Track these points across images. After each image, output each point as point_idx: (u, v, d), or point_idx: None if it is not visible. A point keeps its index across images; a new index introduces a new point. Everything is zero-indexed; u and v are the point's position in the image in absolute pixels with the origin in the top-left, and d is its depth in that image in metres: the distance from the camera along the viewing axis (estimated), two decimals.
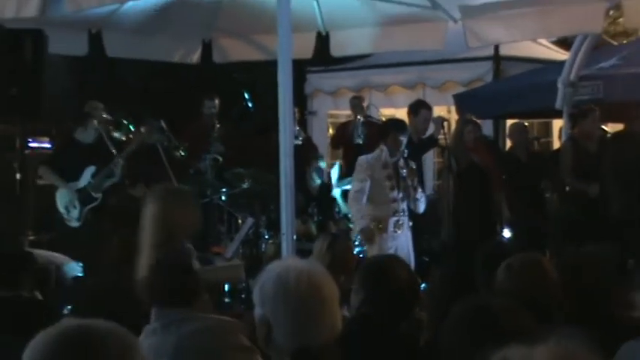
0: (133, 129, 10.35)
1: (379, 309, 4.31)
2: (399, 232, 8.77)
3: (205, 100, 11.54)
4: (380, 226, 8.70)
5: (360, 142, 12.05)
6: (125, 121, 10.43)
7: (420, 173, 9.66)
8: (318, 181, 11.66)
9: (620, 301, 4.48)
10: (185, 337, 4.18)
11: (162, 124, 10.97)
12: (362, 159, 9.00)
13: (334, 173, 12.05)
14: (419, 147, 10.06)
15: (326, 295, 3.17)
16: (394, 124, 9.41)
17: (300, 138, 11.25)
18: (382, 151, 8.82)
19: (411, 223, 8.94)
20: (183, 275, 3.31)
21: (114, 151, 10.07)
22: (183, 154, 11.07)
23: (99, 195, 9.89)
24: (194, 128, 11.68)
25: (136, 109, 11.04)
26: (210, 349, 4.10)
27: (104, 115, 10.21)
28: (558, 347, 1.98)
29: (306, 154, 11.48)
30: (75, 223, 9.90)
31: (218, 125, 11.48)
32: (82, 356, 1.87)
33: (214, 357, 4.06)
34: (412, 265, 7.82)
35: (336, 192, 11.80)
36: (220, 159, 11.28)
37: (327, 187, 11.81)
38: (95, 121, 10.04)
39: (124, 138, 10.13)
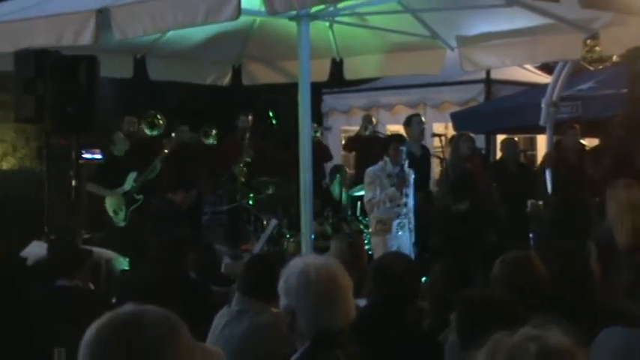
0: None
1: (386, 298, 4.30)
2: (401, 232, 8.76)
3: (241, 116, 11.93)
4: (384, 227, 8.70)
5: (367, 134, 12.20)
6: (158, 117, 10.67)
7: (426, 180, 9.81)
8: (337, 189, 11.68)
9: (600, 290, 4.46)
10: (255, 328, 4.30)
11: (185, 127, 11.15)
12: (369, 171, 9.03)
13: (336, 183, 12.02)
14: (421, 159, 10.10)
15: (342, 286, 3.18)
16: (393, 137, 9.54)
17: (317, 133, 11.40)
18: (385, 162, 8.84)
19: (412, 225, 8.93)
20: (275, 275, 3.32)
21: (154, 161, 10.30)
22: (214, 132, 11.29)
23: (140, 196, 10.06)
24: (229, 139, 11.85)
25: (175, 124, 11.11)
26: (274, 341, 4.11)
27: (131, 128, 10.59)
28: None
29: (318, 153, 11.51)
30: (122, 223, 10.04)
31: (248, 135, 11.67)
32: (129, 335, 1.87)
33: (275, 349, 4.05)
34: None
35: (346, 197, 11.81)
36: (250, 160, 11.42)
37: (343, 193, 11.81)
38: (121, 133, 10.32)
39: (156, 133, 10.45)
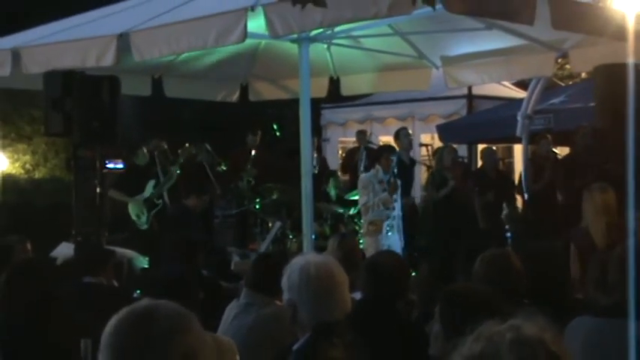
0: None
1: (378, 293, 4.28)
2: (390, 233, 8.77)
3: (250, 134, 11.82)
4: (376, 228, 8.71)
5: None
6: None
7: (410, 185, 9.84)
8: (334, 193, 11.66)
9: (571, 284, 4.45)
10: (261, 319, 4.31)
11: (207, 146, 11.14)
12: (362, 177, 9.11)
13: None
14: (410, 167, 10.10)
15: (338, 282, 3.17)
16: (385, 148, 9.58)
17: (317, 167, 11.37)
18: (377, 170, 8.86)
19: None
20: (279, 272, 3.32)
21: (171, 168, 10.28)
22: (224, 168, 11.26)
23: (160, 201, 10.06)
24: (237, 153, 11.83)
25: (189, 136, 11.12)
26: (278, 331, 4.09)
27: (164, 146, 10.54)
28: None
29: (320, 177, 11.55)
30: (144, 226, 10.03)
31: (254, 153, 11.58)
32: (144, 326, 1.87)
33: (279, 338, 4.04)
34: None
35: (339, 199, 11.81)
36: (253, 181, 11.37)
37: (339, 198, 11.80)
38: (144, 147, 10.31)
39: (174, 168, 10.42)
